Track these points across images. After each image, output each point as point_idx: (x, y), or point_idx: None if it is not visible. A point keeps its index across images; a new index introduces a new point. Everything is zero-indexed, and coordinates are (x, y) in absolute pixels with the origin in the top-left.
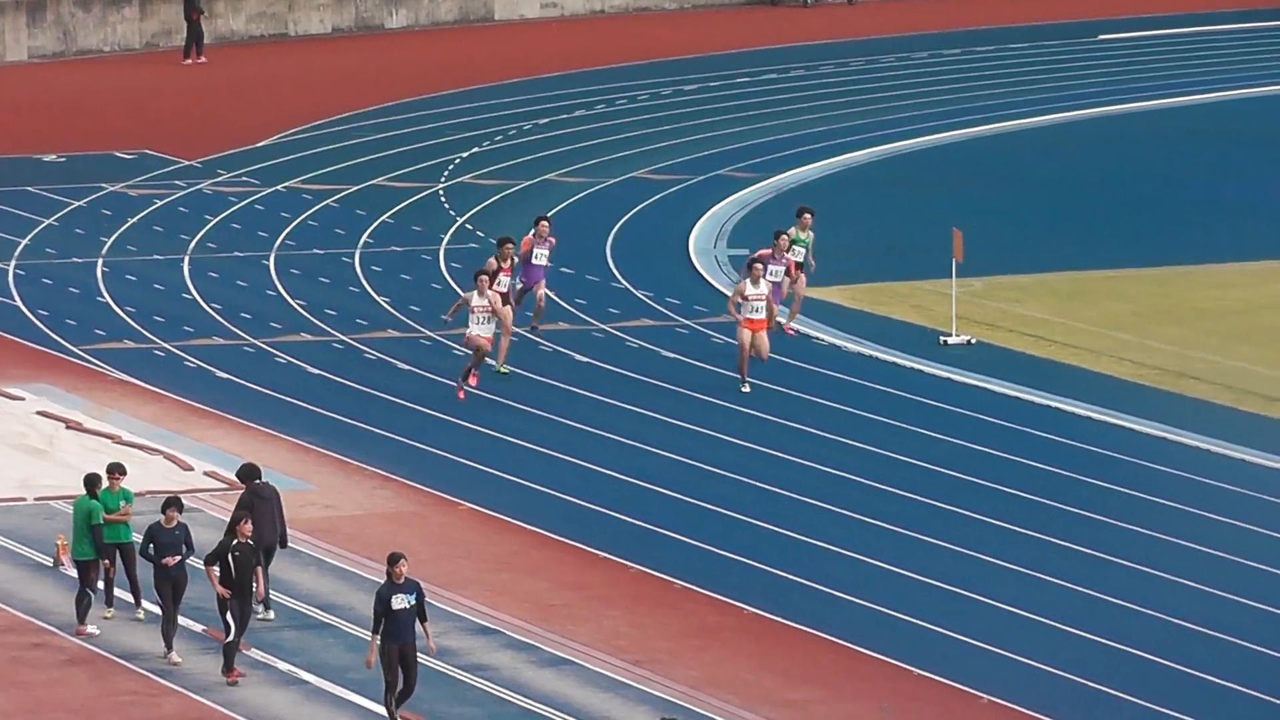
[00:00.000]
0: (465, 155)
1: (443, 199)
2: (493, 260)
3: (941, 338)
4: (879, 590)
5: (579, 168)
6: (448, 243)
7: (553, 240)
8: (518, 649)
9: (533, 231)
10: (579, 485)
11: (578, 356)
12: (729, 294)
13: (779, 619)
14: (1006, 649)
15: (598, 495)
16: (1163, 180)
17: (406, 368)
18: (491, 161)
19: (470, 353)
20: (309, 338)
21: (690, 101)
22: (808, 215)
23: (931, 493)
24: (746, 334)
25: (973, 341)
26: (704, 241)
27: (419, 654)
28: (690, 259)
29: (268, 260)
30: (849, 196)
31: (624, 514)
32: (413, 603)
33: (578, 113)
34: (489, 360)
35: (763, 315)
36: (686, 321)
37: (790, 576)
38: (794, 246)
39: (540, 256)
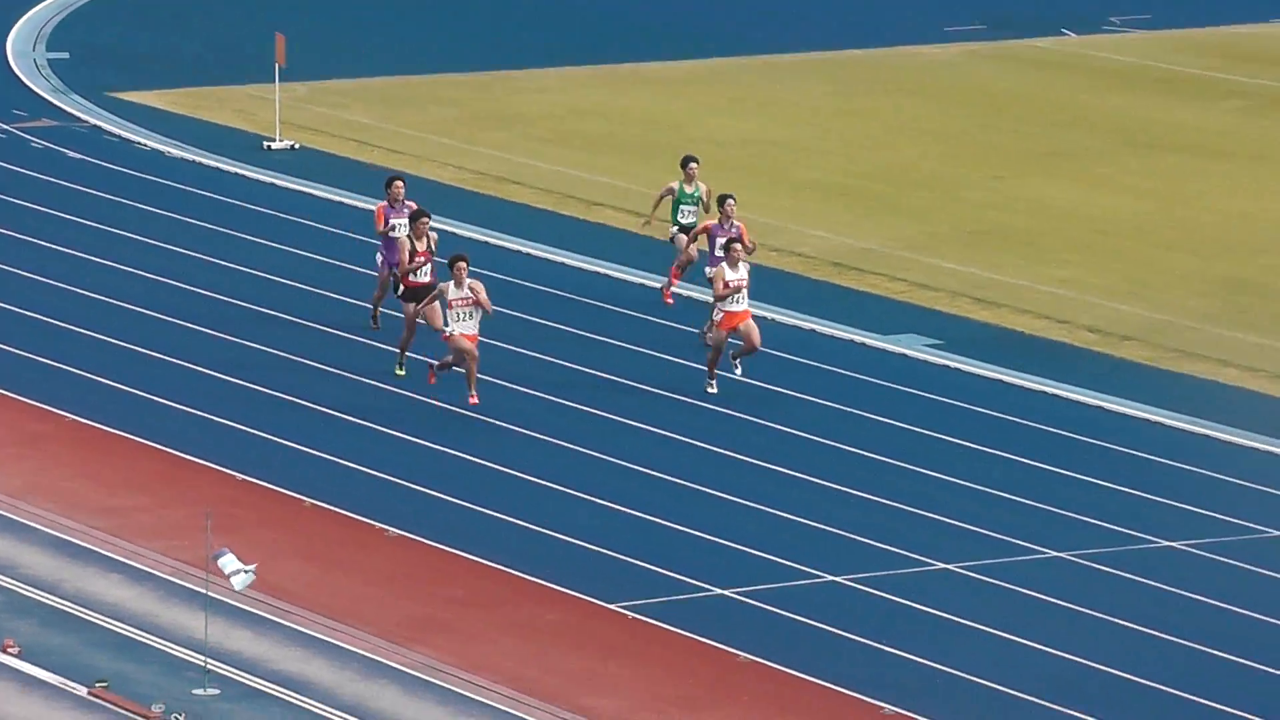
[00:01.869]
0: None
1: None
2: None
3: (265, 143)
4: (199, 395)
5: None
6: None
7: (412, 205)
8: None
9: (386, 196)
10: None
11: None
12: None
13: (101, 426)
14: (324, 451)
15: None
16: None
17: None
18: None
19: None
20: None
21: None
22: (694, 165)
23: (228, 291)
24: (723, 334)
25: (296, 146)
26: (22, 44)
27: None
28: (8, 62)
29: None
30: None
31: None
32: None
33: None
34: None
35: (745, 305)
36: (5, 126)
37: (112, 383)
38: (681, 206)
39: (400, 229)
